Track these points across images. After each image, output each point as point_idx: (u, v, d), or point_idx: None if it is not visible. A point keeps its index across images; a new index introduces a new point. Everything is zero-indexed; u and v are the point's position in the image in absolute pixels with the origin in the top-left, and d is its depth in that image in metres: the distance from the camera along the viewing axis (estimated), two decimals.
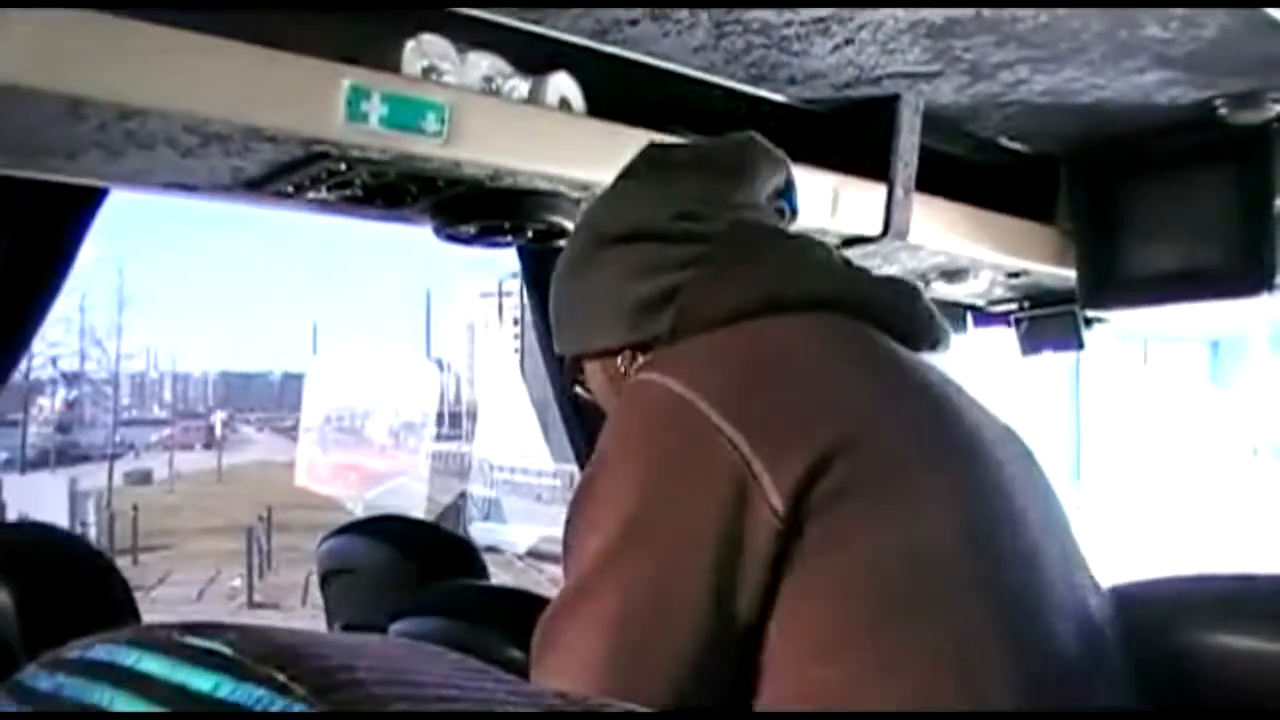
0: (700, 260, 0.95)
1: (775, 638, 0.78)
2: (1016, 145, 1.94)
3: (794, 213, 1.08)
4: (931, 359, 0.97)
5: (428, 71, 1.27)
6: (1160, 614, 0.97)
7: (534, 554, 13.45)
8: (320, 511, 14.73)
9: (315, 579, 1.96)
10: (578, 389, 1.09)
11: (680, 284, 0.95)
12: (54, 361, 27.82)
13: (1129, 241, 1.96)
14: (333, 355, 28.00)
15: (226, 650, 0.30)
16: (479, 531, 14.05)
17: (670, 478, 0.81)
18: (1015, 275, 2.04)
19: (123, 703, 0.30)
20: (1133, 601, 0.95)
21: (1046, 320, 2.21)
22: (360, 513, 11.63)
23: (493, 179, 1.35)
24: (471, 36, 1.33)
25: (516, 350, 24.30)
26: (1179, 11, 1.36)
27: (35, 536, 1.40)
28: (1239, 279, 1.85)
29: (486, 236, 1.48)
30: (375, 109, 1.17)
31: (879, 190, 1.66)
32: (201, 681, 0.29)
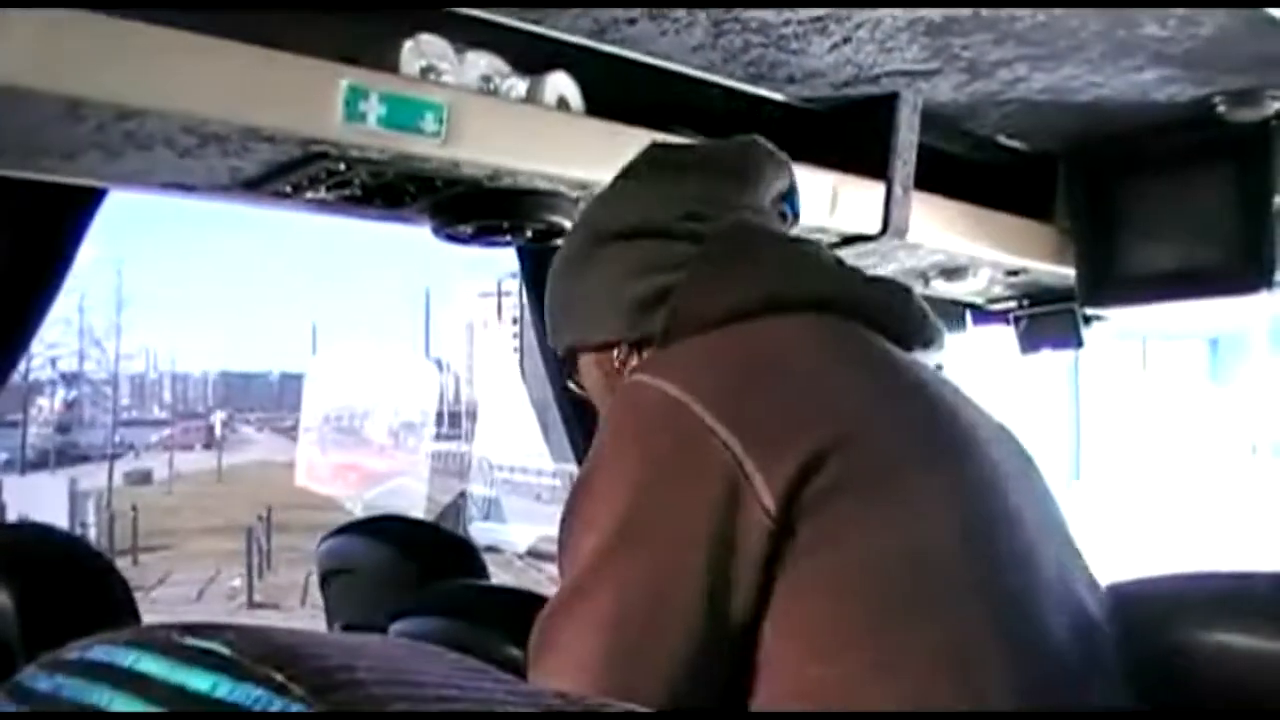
0: (696, 259, 0.95)
1: (770, 637, 0.79)
2: (1015, 143, 1.94)
3: (795, 217, 1.09)
4: (926, 358, 0.97)
5: (426, 71, 1.27)
6: (1159, 612, 0.98)
7: (534, 553, 13.45)
8: (320, 511, 14.73)
9: (315, 579, 1.96)
10: (571, 384, 1.09)
11: (677, 283, 0.95)
12: (53, 362, 27.86)
13: (1128, 239, 1.96)
14: (332, 355, 27.98)
15: (225, 650, 0.30)
16: (479, 531, 14.05)
17: (664, 479, 0.81)
18: (1014, 273, 2.04)
19: (121, 703, 0.30)
20: (1131, 599, 0.95)
21: (1045, 318, 2.21)
22: (360, 513, 11.64)
23: (491, 179, 1.35)
24: (469, 36, 1.33)
25: (516, 350, 24.29)
26: (1177, 10, 1.36)
27: (35, 537, 1.40)
28: (1238, 276, 1.85)
29: (485, 236, 1.48)
30: (373, 109, 1.17)
31: (878, 188, 1.66)
32: (200, 682, 0.29)
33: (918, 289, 1.88)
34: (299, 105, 1.14)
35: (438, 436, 21.47)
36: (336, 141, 1.18)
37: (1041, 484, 0.94)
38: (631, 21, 1.35)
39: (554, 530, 0.89)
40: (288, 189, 1.32)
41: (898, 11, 1.36)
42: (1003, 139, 1.91)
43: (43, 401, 29.60)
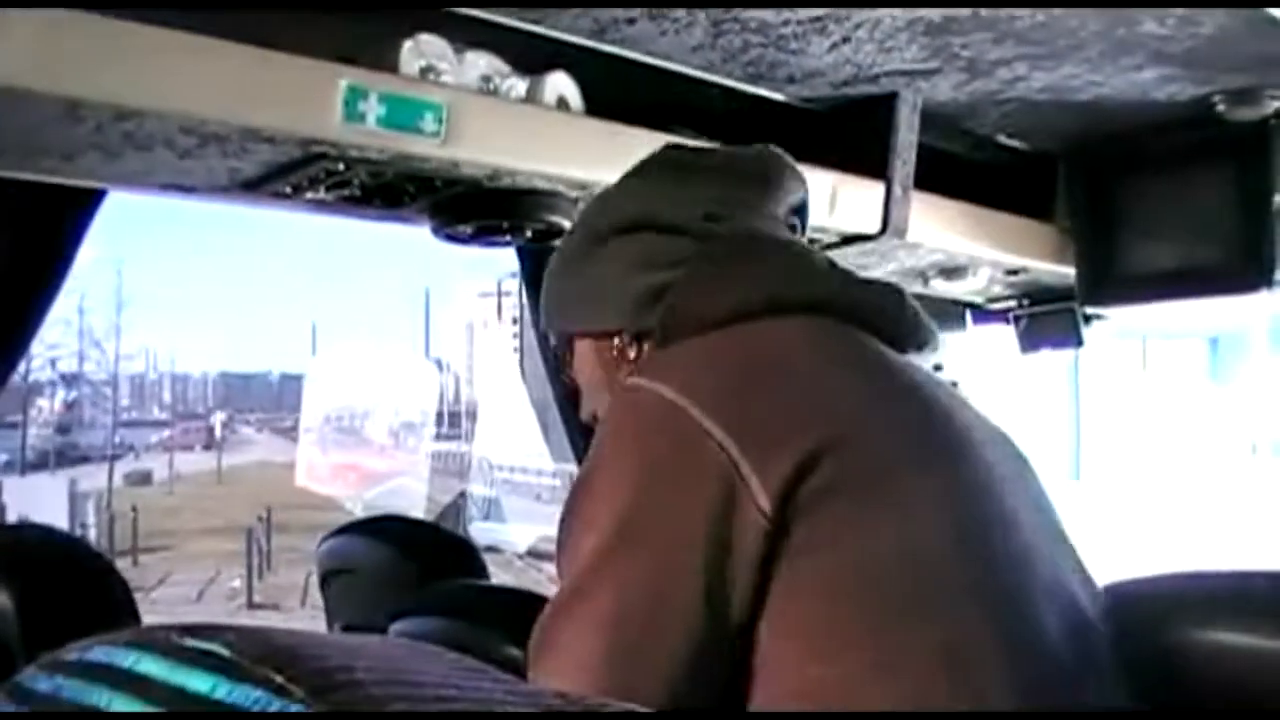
0: (695, 258, 0.95)
1: (766, 638, 0.79)
2: (1015, 142, 1.94)
3: (804, 230, 1.09)
4: (920, 360, 0.97)
5: (425, 71, 1.27)
6: (1157, 611, 0.98)
7: (534, 553, 13.45)
8: (320, 512, 14.73)
9: (315, 579, 1.96)
10: (564, 377, 1.09)
11: (674, 280, 0.95)
12: (53, 363, 27.87)
13: (1128, 238, 1.96)
14: (332, 355, 28.00)
15: (224, 651, 0.30)
16: (479, 531, 14.05)
17: (662, 481, 0.81)
18: (1014, 272, 2.03)
19: (121, 704, 0.30)
20: (1130, 598, 0.95)
21: (1045, 317, 2.21)
22: (360, 513, 11.64)
23: (491, 179, 1.35)
24: (469, 36, 1.33)
25: (516, 350, 24.30)
26: (1177, 9, 1.36)
27: (35, 538, 1.40)
28: (1238, 275, 1.85)
29: (485, 236, 1.48)
30: (373, 109, 1.17)
31: (877, 188, 1.66)
32: (199, 683, 0.29)
33: (917, 288, 1.89)
34: (298, 105, 1.14)
35: (438, 436, 21.48)
36: (336, 142, 1.18)
37: (1037, 485, 0.94)
38: (631, 21, 1.35)
39: (554, 530, 0.89)
40: (287, 189, 1.32)
41: (897, 11, 1.36)
42: (1002, 138, 1.91)
43: (42, 402, 29.62)
